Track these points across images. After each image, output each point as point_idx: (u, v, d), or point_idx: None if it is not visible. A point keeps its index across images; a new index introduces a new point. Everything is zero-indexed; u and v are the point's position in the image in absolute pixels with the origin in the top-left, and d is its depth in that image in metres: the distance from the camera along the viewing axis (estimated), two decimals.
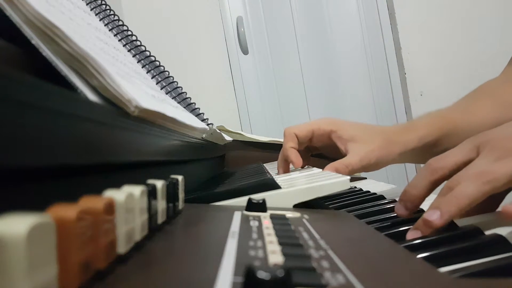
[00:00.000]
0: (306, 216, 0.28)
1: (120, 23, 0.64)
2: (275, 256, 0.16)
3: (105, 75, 0.26)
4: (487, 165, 0.28)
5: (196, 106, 0.80)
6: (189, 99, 0.78)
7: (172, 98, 0.69)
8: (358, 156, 0.51)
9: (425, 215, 0.27)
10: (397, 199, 0.39)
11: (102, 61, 0.26)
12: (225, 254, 0.16)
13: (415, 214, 0.32)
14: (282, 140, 0.94)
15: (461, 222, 0.29)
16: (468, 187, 0.27)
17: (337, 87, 1.75)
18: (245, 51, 1.72)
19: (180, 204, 0.26)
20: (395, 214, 0.33)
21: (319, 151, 0.62)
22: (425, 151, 0.54)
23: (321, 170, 0.51)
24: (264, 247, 0.17)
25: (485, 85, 0.59)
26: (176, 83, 0.74)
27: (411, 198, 0.32)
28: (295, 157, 0.54)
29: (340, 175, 0.38)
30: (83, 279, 0.11)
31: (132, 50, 0.64)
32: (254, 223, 0.23)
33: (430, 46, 1.70)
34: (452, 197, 0.27)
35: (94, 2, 0.59)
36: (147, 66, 0.66)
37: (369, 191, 0.49)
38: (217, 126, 0.81)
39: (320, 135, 0.54)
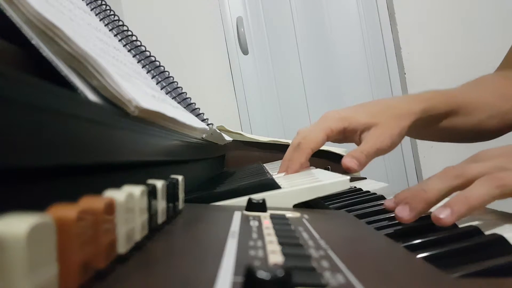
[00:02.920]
0: (306, 216, 0.28)
1: (120, 23, 0.64)
2: (275, 256, 0.16)
3: (105, 75, 0.26)
4: (503, 171, 0.28)
5: (196, 106, 0.80)
6: (189, 99, 0.78)
7: (172, 98, 0.69)
8: (371, 141, 0.49)
9: (435, 212, 0.27)
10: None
11: (102, 61, 0.26)
12: (225, 254, 0.16)
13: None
14: (282, 140, 0.94)
15: (461, 222, 0.29)
16: (480, 188, 0.27)
17: (337, 87, 1.76)
18: (245, 51, 1.72)
19: (180, 204, 0.26)
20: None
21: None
22: (428, 125, 0.54)
23: (321, 170, 0.51)
24: (264, 247, 0.17)
25: (484, 77, 0.60)
26: (176, 83, 0.74)
27: (423, 202, 0.30)
28: (294, 173, 0.51)
29: (340, 175, 0.38)
30: (83, 279, 0.11)
31: (132, 50, 0.64)
32: (254, 223, 0.23)
33: (430, 46, 1.70)
34: (463, 196, 0.28)
35: (94, 2, 0.59)
36: (147, 66, 0.66)
37: (369, 191, 0.48)
38: (217, 126, 0.81)
39: (333, 137, 0.52)
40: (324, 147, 0.86)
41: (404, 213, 0.30)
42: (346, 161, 0.47)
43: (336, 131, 0.50)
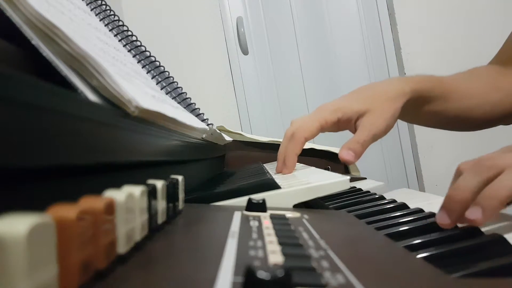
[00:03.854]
0: (306, 216, 0.28)
1: (120, 23, 0.64)
2: (275, 256, 0.16)
3: (105, 75, 0.26)
4: None
5: (196, 106, 0.80)
6: (189, 99, 0.78)
7: (172, 98, 0.69)
8: (366, 128, 0.50)
9: (466, 214, 0.27)
10: (396, 199, 0.39)
11: (102, 62, 0.26)
12: (225, 254, 0.16)
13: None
14: (282, 140, 0.94)
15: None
16: (508, 178, 0.26)
17: (337, 87, 1.75)
18: (245, 52, 1.72)
19: (180, 204, 0.26)
20: (395, 214, 0.33)
21: None
22: (419, 106, 0.54)
23: (321, 170, 0.51)
24: (264, 247, 0.17)
25: (476, 68, 0.61)
26: (176, 83, 0.74)
27: (459, 203, 0.28)
28: (291, 166, 0.51)
29: (340, 175, 0.38)
30: (83, 279, 0.11)
31: (132, 50, 0.64)
32: (254, 223, 0.23)
33: (430, 46, 1.70)
34: (492, 190, 0.26)
35: (94, 3, 0.59)
36: (147, 66, 0.66)
37: (369, 191, 0.49)
38: (217, 126, 0.81)
39: (328, 128, 0.52)
40: (324, 147, 0.86)
41: (443, 219, 0.28)
42: (343, 154, 0.48)
43: (331, 122, 0.51)
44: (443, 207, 0.29)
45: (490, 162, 0.28)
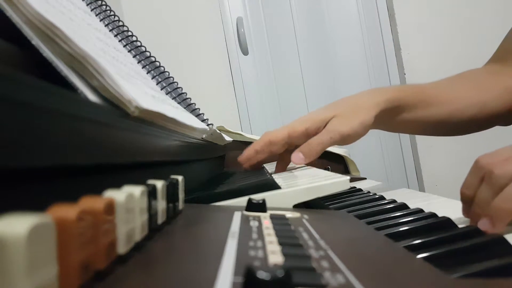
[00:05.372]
0: (306, 216, 0.28)
1: (120, 23, 0.64)
2: (275, 256, 0.16)
3: (105, 76, 0.26)
4: None
5: (196, 107, 0.80)
6: (189, 99, 0.78)
7: (172, 99, 0.69)
8: (326, 131, 0.51)
9: (479, 225, 0.27)
10: (396, 199, 0.39)
11: (102, 62, 0.26)
12: (225, 254, 0.16)
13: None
14: None
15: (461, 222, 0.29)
16: None
17: (337, 88, 1.75)
18: (245, 52, 1.72)
19: (180, 204, 0.26)
20: (395, 215, 0.33)
21: None
22: (395, 115, 0.55)
23: (320, 170, 0.51)
24: (264, 247, 0.17)
25: (467, 72, 0.61)
26: (176, 83, 0.74)
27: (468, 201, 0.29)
28: (245, 157, 0.56)
29: (340, 175, 0.38)
30: (83, 279, 0.11)
31: (132, 51, 0.64)
32: (254, 223, 0.23)
33: (430, 47, 1.70)
34: (501, 201, 0.27)
35: (94, 3, 0.59)
36: (147, 66, 0.66)
37: (369, 192, 0.49)
38: (217, 127, 0.81)
39: (296, 137, 0.54)
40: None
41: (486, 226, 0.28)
42: (293, 157, 0.51)
43: (299, 131, 0.53)
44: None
45: (503, 170, 0.28)
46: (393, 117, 0.55)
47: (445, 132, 0.61)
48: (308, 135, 0.53)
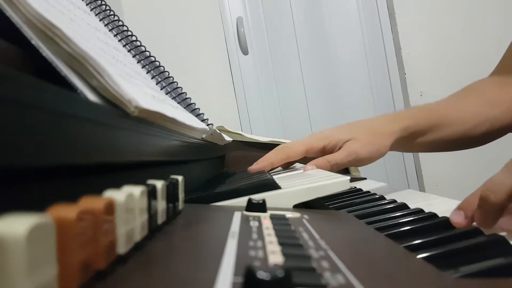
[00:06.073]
0: (306, 216, 0.28)
1: (120, 23, 0.64)
2: (275, 256, 0.16)
3: (105, 76, 0.26)
4: None
5: (196, 106, 0.80)
6: (189, 99, 0.77)
7: (172, 99, 0.69)
8: (345, 151, 0.52)
9: (499, 223, 0.26)
10: (396, 199, 0.39)
11: (102, 62, 0.26)
12: (225, 254, 0.16)
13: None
14: (282, 140, 0.94)
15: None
16: None
17: (337, 88, 1.76)
18: (245, 52, 1.72)
19: (180, 205, 0.26)
20: (395, 215, 0.33)
21: None
22: (411, 140, 0.56)
23: (321, 170, 0.51)
24: (264, 247, 0.17)
25: (473, 85, 0.62)
26: (176, 83, 0.74)
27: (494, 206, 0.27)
28: (260, 167, 0.56)
29: (340, 175, 0.38)
30: (83, 279, 0.11)
31: (132, 51, 0.64)
32: (254, 224, 0.23)
33: (430, 46, 1.70)
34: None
35: (94, 2, 0.59)
36: (147, 66, 0.66)
37: (369, 192, 0.49)
38: (217, 127, 0.81)
39: (313, 154, 0.56)
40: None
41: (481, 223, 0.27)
42: (306, 168, 0.52)
43: (317, 148, 0.55)
44: (479, 207, 0.27)
45: None
46: (408, 143, 0.57)
47: (459, 147, 0.62)
48: (325, 152, 0.55)
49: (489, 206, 0.26)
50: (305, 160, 0.58)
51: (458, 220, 0.28)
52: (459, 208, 0.29)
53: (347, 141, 0.53)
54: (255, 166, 0.56)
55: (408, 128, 0.54)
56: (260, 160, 0.56)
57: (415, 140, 0.56)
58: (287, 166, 0.61)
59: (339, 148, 0.54)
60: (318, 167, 0.51)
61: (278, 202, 0.33)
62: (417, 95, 1.69)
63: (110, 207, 0.14)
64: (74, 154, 0.18)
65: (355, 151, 0.52)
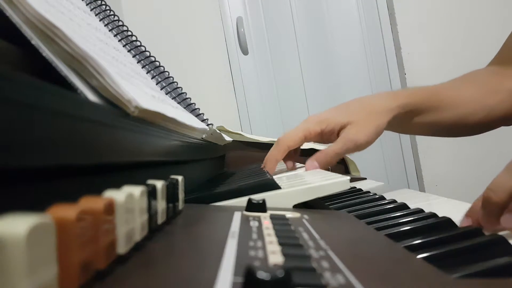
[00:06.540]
0: (306, 216, 0.28)
1: (120, 23, 0.64)
2: (275, 256, 0.16)
3: (105, 76, 0.26)
4: None
5: (196, 106, 0.80)
6: (189, 99, 0.77)
7: (172, 99, 0.69)
8: (342, 141, 0.52)
9: (501, 221, 0.26)
10: (396, 199, 0.39)
11: (102, 62, 0.26)
12: (225, 254, 0.16)
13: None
14: None
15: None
16: None
17: (337, 88, 1.75)
18: (245, 52, 1.72)
19: (180, 204, 0.26)
20: (395, 215, 0.33)
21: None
22: (408, 119, 0.56)
23: (321, 170, 0.51)
24: (264, 248, 0.17)
25: (472, 73, 0.61)
26: (176, 83, 0.74)
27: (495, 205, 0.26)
28: (270, 170, 0.55)
29: (340, 175, 0.38)
30: (83, 279, 0.11)
31: (132, 51, 0.64)
32: (254, 224, 0.23)
33: (430, 46, 1.70)
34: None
35: (94, 2, 0.59)
36: (147, 66, 0.66)
37: (369, 192, 0.49)
38: (217, 127, 0.81)
39: (311, 139, 0.55)
40: (324, 147, 0.86)
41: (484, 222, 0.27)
42: (308, 165, 0.52)
43: (314, 132, 0.54)
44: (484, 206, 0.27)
45: None
46: (405, 121, 0.56)
47: (453, 134, 0.62)
48: (323, 136, 0.55)
49: (491, 206, 0.26)
50: (304, 155, 0.58)
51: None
52: (467, 215, 0.29)
53: (344, 126, 0.53)
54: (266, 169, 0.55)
55: (406, 106, 0.54)
56: (265, 161, 0.55)
57: (411, 120, 0.56)
58: (293, 165, 0.60)
59: (337, 133, 0.53)
60: (318, 161, 0.51)
61: (278, 202, 0.33)
62: None
63: (110, 207, 0.14)
64: (74, 154, 0.18)
65: (352, 139, 0.52)
